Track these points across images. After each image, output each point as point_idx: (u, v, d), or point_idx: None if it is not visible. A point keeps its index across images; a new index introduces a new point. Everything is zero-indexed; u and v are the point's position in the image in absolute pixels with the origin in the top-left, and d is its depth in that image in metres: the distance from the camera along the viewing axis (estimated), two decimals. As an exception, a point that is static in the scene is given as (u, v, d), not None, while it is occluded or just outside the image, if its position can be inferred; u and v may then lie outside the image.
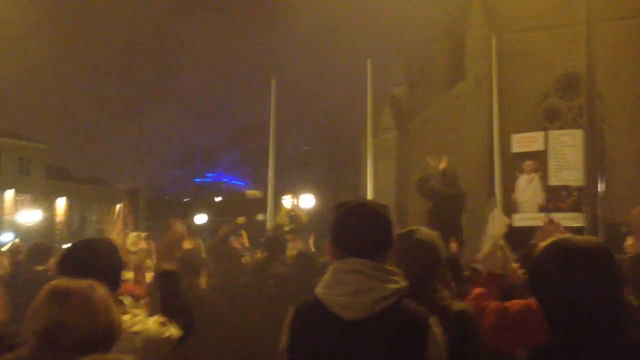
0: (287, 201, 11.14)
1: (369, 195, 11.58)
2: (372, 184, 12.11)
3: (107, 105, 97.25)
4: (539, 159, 12.47)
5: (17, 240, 10.51)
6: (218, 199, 53.31)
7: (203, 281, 5.85)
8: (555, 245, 2.22)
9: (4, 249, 8.91)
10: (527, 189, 10.46)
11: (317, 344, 2.25)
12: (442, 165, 8.96)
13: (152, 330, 2.69)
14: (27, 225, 34.65)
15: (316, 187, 25.33)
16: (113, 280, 2.76)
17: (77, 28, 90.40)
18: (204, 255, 6.66)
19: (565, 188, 10.30)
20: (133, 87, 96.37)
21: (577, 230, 7.30)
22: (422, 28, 24.90)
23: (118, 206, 6.78)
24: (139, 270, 6.19)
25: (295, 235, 8.43)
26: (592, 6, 7.58)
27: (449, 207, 8.53)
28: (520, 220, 9.56)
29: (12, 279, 6.21)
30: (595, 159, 7.89)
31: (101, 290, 1.97)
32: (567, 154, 10.60)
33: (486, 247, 3.36)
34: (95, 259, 2.74)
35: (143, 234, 7.33)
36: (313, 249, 8.25)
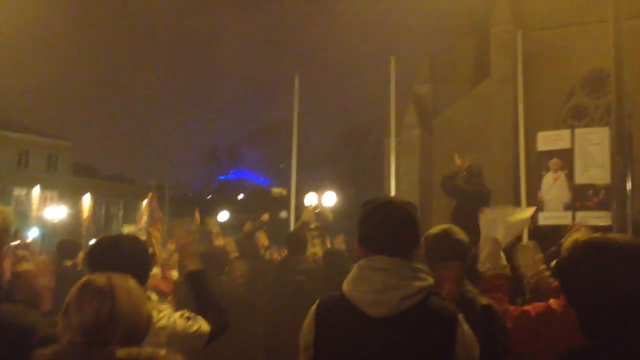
0: (311, 199, 11.17)
1: (392, 194, 11.55)
2: (395, 182, 12.08)
3: (133, 103, 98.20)
4: (565, 157, 12.33)
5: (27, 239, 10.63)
6: (240, 196, 53.53)
7: (229, 277, 5.90)
8: (591, 243, 2.18)
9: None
10: (553, 187, 10.35)
11: (342, 340, 2.25)
12: (465, 164, 8.90)
13: (178, 325, 2.72)
14: (53, 221, 35.14)
15: (339, 185, 25.34)
16: (140, 276, 2.79)
17: (103, 26, 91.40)
18: (235, 253, 6.72)
19: (592, 186, 10.18)
20: (159, 85, 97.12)
21: (604, 230, 7.22)
22: (447, 25, 24.76)
23: (145, 202, 6.84)
24: (165, 266, 6.26)
25: (321, 232, 8.44)
26: (619, 3, 7.47)
27: (472, 204, 8.46)
28: (546, 219, 9.48)
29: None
30: (623, 156, 7.77)
31: (135, 285, 2.00)
32: (593, 152, 10.48)
33: (487, 247, 3.32)
34: (122, 255, 2.77)
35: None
36: (344, 247, 8.25)
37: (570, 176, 11.55)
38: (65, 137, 47.71)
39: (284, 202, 15.86)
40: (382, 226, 2.32)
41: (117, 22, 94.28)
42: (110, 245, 2.87)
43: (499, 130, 21.43)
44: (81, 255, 6.76)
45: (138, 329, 1.93)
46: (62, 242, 7.26)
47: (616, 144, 7.89)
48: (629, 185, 7.89)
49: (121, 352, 1.83)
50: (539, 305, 3.07)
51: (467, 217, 8.13)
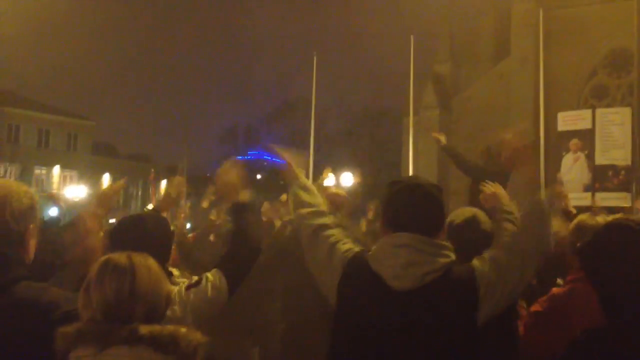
0: (329, 179, 11.14)
1: (410, 173, 11.52)
2: (413, 162, 12.05)
3: (153, 83, 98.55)
4: (586, 137, 12.22)
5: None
6: (259, 176, 53.63)
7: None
8: (618, 224, 2.20)
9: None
10: (573, 168, 10.29)
11: (365, 310, 2.29)
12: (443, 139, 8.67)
13: (194, 295, 2.66)
14: (73, 200, 35.57)
15: (357, 165, 25.29)
16: (163, 254, 2.81)
17: (125, 6, 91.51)
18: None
19: (613, 167, 10.10)
20: (178, 65, 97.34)
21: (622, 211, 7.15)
22: (467, 3, 24.45)
23: (164, 181, 6.86)
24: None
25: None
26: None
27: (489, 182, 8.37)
28: (565, 200, 9.39)
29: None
30: (645, 137, 7.68)
31: (154, 263, 2.02)
32: (614, 132, 10.38)
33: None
34: (145, 234, 2.78)
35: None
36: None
37: (590, 157, 11.43)
38: (86, 117, 48.05)
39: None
40: (409, 208, 2.34)
41: (138, 1, 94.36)
42: (134, 224, 2.89)
43: (519, 110, 21.23)
44: (101, 234, 6.81)
45: (158, 306, 1.96)
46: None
47: (638, 124, 7.79)
48: (650, 166, 7.80)
49: (144, 329, 1.86)
50: (541, 299, 3.08)
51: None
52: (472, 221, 3.09)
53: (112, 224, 3.39)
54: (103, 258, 1.99)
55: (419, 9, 26.76)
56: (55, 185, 42.37)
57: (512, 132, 2.80)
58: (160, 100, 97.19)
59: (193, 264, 4.88)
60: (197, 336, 1.92)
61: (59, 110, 46.02)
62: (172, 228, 3.21)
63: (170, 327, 1.90)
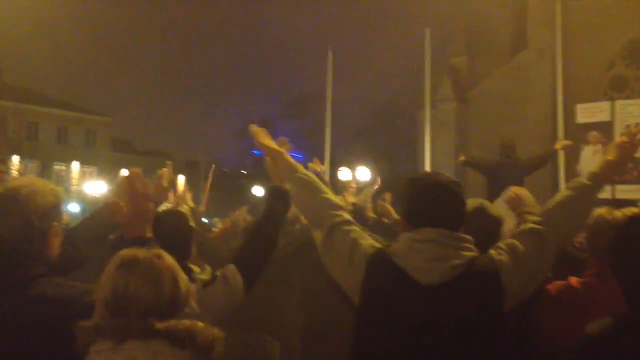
0: (345, 174, 11.15)
1: (427, 168, 11.49)
2: (430, 156, 12.01)
3: (169, 79, 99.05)
4: (605, 129, 12.10)
5: None
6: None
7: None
8: (636, 217, 2.22)
9: None
10: (592, 160, 10.17)
11: (394, 306, 2.29)
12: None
13: (210, 293, 2.65)
14: (93, 196, 35.83)
15: (373, 160, 25.24)
16: (183, 250, 2.82)
17: (142, 5, 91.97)
18: None
19: (632, 160, 9.96)
20: (194, 61, 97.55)
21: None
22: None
23: (180, 177, 6.88)
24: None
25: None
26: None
27: (505, 176, 8.38)
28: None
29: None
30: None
31: (167, 259, 2.02)
32: (634, 124, 10.22)
33: (511, 226, 3.30)
34: (162, 230, 2.79)
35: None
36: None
37: (609, 149, 11.25)
38: (104, 114, 48.45)
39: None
40: (432, 204, 2.37)
41: (158, 2, 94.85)
42: (154, 221, 2.91)
43: (536, 102, 21.07)
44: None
45: (174, 302, 1.97)
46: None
47: (658, 116, 7.71)
48: (670, 159, 7.73)
49: (160, 324, 1.88)
50: (558, 283, 3.06)
51: (502, 188, 8.07)
52: (480, 208, 3.15)
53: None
54: (116, 255, 2.01)
55: (434, 2, 26.56)
56: (75, 181, 42.75)
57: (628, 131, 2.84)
58: (176, 96, 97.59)
59: (211, 258, 4.89)
60: (214, 331, 1.94)
61: (77, 107, 46.47)
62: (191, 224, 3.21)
63: (186, 322, 1.92)
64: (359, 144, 41.34)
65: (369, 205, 6.73)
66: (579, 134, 12.07)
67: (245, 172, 57.07)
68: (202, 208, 7.81)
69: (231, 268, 2.68)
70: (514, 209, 3.07)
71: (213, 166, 9.42)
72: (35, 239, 2.26)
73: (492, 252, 2.37)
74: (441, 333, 2.21)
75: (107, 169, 43.38)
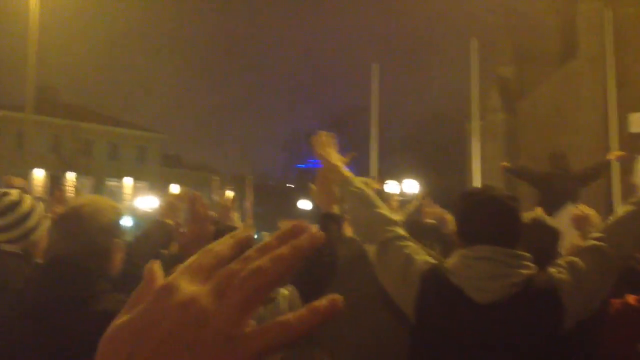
0: (392, 187, 11.10)
1: (476, 180, 11.37)
2: (479, 167, 11.89)
3: (217, 94, 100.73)
4: (660, 139, 11.76)
5: None
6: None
7: None
8: None
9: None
10: (647, 171, 9.90)
11: (449, 324, 2.26)
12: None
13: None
14: (144, 210, 36.58)
15: (420, 172, 25.06)
16: None
17: (193, 25, 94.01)
18: None
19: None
20: (242, 76, 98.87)
21: None
22: (531, 3, 23.94)
23: (228, 192, 6.99)
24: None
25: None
26: None
27: (557, 188, 8.20)
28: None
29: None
30: None
31: None
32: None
33: (572, 239, 3.23)
34: None
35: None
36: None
37: (665, 159, 10.96)
38: (155, 129, 49.55)
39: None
40: (488, 220, 2.31)
41: (203, 18, 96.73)
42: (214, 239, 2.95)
43: (588, 112, 20.61)
44: (174, 245, 7.00)
45: None
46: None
47: None
48: None
49: None
50: (616, 301, 2.99)
51: (555, 200, 7.90)
52: (537, 220, 3.07)
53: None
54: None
55: (481, 11, 26.31)
56: (127, 197, 43.75)
57: None
58: (224, 111, 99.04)
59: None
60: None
61: (129, 124, 47.67)
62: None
63: None
64: (405, 156, 41.14)
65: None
66: (632, 143, 11.77)
67: (292, 186, 57.38)
68: (250, 221, 7.93)
69: (291, 289, 2.70)
70: (579, 228, 3.01)
71: (250, 179, 9.56)
72: (99, 255, 2.34)
73: (552, 269, 2.30)
74: (496, 353, 2.17)
75: (157, 184, 44.30)
